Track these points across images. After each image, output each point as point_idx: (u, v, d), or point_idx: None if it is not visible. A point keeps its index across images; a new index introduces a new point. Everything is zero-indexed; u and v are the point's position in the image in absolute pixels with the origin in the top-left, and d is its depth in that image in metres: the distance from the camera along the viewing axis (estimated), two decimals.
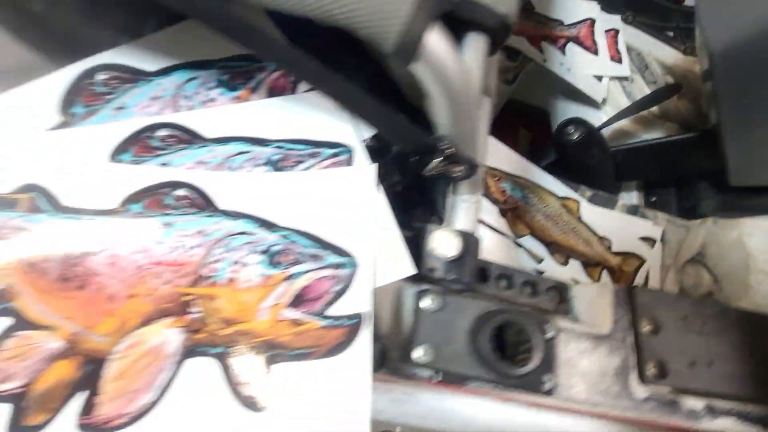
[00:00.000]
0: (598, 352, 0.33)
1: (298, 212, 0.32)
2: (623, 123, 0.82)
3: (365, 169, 0.33)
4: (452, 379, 0.29)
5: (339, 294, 0.30)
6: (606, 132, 0.82)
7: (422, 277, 0.33)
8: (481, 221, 0.58)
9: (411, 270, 0.31)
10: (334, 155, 0.32)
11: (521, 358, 0.27)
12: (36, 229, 0.29)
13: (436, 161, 0.29)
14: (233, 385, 0.27)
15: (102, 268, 0.29)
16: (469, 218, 0.36)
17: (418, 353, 0.28)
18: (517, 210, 0.62)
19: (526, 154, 0.87)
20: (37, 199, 0.29)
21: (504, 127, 0.97)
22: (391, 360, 0.31)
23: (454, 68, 0.24)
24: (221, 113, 0.34)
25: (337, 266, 0.30)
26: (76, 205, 0.30)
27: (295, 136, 0.34)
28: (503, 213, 0.61)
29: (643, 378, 0.33)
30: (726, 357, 0.35)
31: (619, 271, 0.63)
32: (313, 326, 0.29)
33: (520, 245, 0.60)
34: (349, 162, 0.33)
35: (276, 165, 0.33)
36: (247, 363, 0.28)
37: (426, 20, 0.21)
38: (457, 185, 0.36)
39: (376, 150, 0.34)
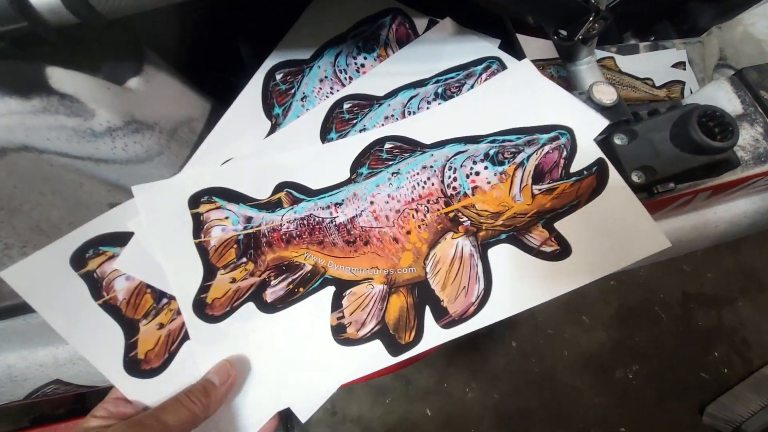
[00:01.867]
0: (744, 128, 0.40)
1: (489, 119, 0.37)
2: None
3: (521, 65, 0.39)
4: (666, 188, 0.34)
5: (570, 156, 0.36)
6: None
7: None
8: None
9: (604, 122, 0.37)
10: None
11: (721, 139, 0.33)
12: (305, 214, 0.34)
13: (590, 20, 0.34)
14: (534, 251, 0.33)
15: (371, 223, 0.34)
16: (596, 74, 0.42)
17: (635, 178, 0.35)
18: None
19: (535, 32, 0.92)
20: (293, 192, 0.34)
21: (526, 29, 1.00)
22: None
23: None
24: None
25: (553, 140, 0.36)
26: (321, 185, 0.34)
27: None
28: None
29: None
30: None
31: (669, 99, 0.70)
32: (565, 186, 0.35)
33: None
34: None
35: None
36: (532, 233, 0.34)
37: None
38: (577, 52, 0.41)
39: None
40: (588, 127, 0.37)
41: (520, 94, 0.38)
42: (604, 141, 0.37)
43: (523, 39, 0.69)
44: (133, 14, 0.26)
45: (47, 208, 0.29)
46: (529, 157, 0.36)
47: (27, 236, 0.28)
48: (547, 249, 0.34)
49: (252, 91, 0.37)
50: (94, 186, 0.30)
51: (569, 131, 0.37)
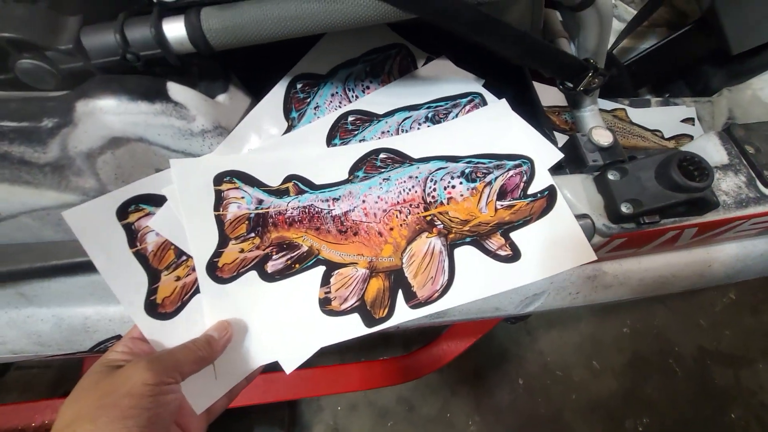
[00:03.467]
0: (729, 176, 0.45)
1: (467, 144, 0.45)
2: (624, 42, 0.96)
3: (499, 103, 0.46)
4: (651, 220, 0.40)
5: (529, 181, 0.43)
6: (615, 52, 0.96)
7: (588, 171, 0.45)
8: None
9: (559, 155, 0.44)
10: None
11: (698, 180, 0.38)
12: (307, 204, 0.40)
13: (588, 77, 0.41)
14: (491, 254, 0.40)
15: (362, 218, 0.41)
16: (597, 119, 0.49)
17: (623, 209, 0.40)
18: None
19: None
20: (299, 184, 0.41)
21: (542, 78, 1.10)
22: (599, 229, 0.43)
23: (609, 3, 0.36)
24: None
25: (517, 166, 0.43)
26: (323, 182, 0.41)
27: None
28: None
29: (764, 182, 0.46)
30: None
31: None
32: (522, 204, 0.42)
33: None
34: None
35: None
36: (492, 239, 0.41)
37: None
38: (582, 101, 0.48)
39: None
40: (546, 158, 0.44)
41: (495, 126, 0.45)
42: (600, 176, 0.43)
43: (542, 87, 0.77)
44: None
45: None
46: (496, 178, 0.43)
47: None
48: (502, 253, 0.40)
49: (276, 95, 0.44)
50: None
51: (530, 161, 0.44)
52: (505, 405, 1.21)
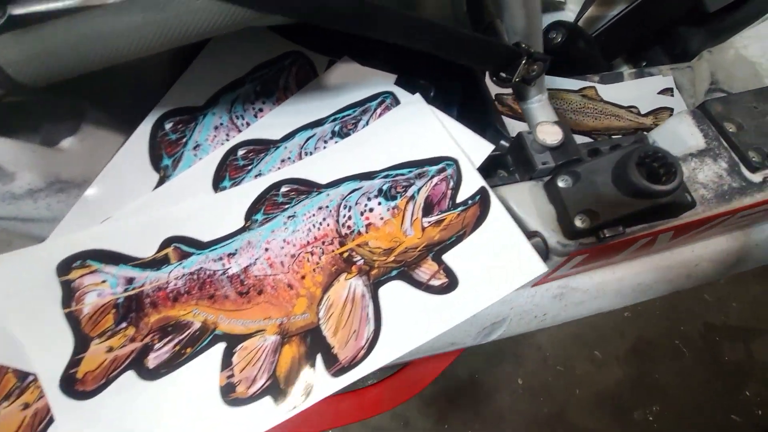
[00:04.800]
0: (707, 163, 0.38)
1: (382, 155, 0.37)
2: (591, 10, 0.88)
3: (412, 99, 0.39)
4: (613, 233, 0.33)
5: (456, 186, 0.35)
6: (581, 23, 0.87)
7: (538, 175, 0.37)
8: None
9: (489, 147, 0.37)
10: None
11: (665, 181, 0.31)
12: (195, 269, 0.33)
13: (522, 64, 0.33)
14: (423, 286, 0.33)
15: (266, 271, 0.33)
16: (547, 112, 0.41)
17: (578, 222, 0.33)
18: None
19: None
20: (181, 246, 0.34)
21: None
22: (553, 248, 0.35)
23: None
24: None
25: (441, 171, 0.36)
26: (213, 237, 0.34)
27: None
28: None
29: (751, 167, 0.38)
30: None
31: (656, 126, 0.68)
32: (452, 217, 0.35)
33: None
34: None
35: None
36: (422, 267, 0.33)
37: None
38: (526, 92, 0.40)
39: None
40: (473, 155, 0.37)
41: (411, 127, 0.38)
42: (549, 183, 0.36)
43: None
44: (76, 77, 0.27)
45: None
46: (419, 189, 0.36)
47: None
48: (436, 282, 0.33)
49: (137, 142, 0.36)
50: (24, 242, 0.31)
51: (455, 161, 0.36)
52: (506, 408, 1.15)
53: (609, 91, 0.70)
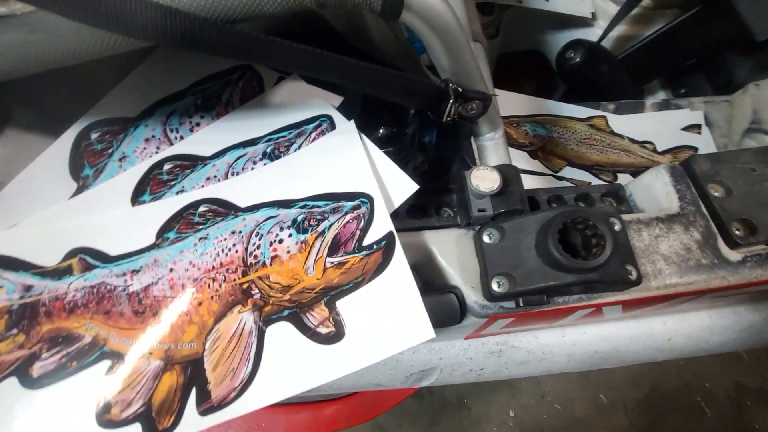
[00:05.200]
0: (675, 231, 0.32)
1: (305, 183, 0.35)
2: (623, 29, 0.80)
3: (346, 126, 0.36)
4: (534, 301, 0.29)
5: (366, 228, 0.33)
6: (609, 44, 0.80)
7: (475, 221, 0.34)
8: None
9: (413, 187, 0.34)
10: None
11: (595, 252, 0.27)
12: (96, 282, 0.33)
13: (449, 104, 0.30)
14: (309, 332, 0.31)
15: (165, 293, 0.32)
16: (500, 152, 0.37)
17: (495, 286, 0.29)
18: (547, 146, 0.61)
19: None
20: (87, 258, 0.33)
21: (505, 82, 0.96)
22: (470, 308, 0.32)
23: (440, 7, 0.25)
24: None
25: (355, 208, 0.33)
26: (121, 251, 0.34)
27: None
28: (533, 155, 0.60)
29: (731, 242, 0.32)
30: None
31: None
32: (354, 260, 0.32)
33: (561, 178, 0.59)
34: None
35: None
36: (314, 311, 0.31)
37: None
38: (477, 128, 0.37)
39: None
40: (395, 194, 0.34)
41: (337, 157, 0.35)
42: (477, 235, 0.32)
43: (500, 94, 0.64)
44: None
45: None
46: (331, 225, 0.33)
47: None
48: (323, 330, 0.30)
49: (57, 150, 0.36)
50: None
51: (370, 200, 0.33)
52: None
53: (622, 123, 0.63)
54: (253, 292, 0.32)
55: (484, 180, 0.33)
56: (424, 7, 0.24)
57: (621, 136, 0.62)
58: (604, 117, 0.63)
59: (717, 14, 0.64)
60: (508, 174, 0.34)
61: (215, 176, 0.37)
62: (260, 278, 0.32)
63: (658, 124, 0.64)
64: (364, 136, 0.36)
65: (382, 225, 0.32)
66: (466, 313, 0.32)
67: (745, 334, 0.39)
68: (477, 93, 0.31)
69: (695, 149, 0.62)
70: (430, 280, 0.33)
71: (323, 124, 0.38)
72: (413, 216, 0.37)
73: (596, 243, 0.27)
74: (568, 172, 0.59)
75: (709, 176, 0.34)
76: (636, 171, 0.61)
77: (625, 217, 0.33)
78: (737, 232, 0.32)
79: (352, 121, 0.36)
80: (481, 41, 0.45)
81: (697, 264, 0.31)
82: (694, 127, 0.64)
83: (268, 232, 0.34)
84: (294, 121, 0.38)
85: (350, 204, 0.34)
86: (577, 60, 0.70)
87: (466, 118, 0.33)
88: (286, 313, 0.31)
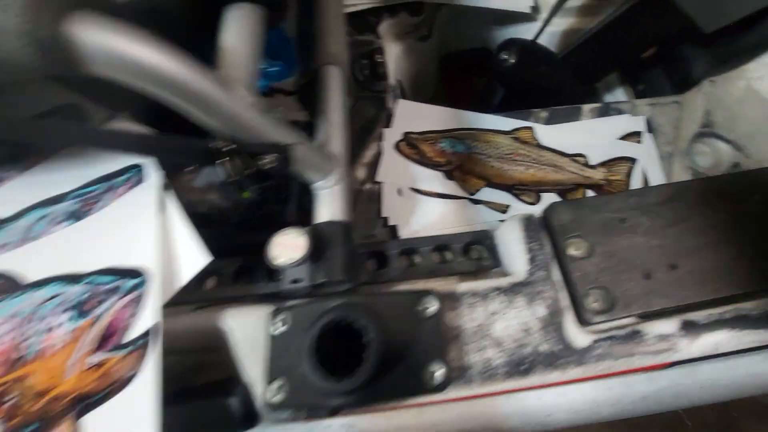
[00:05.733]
0: (516, 306, 0.26)
1: (96, 253, 0.30)
2: (568, 22, 0.72)
3: (149, 183, 0.31)
4: (313, 414, 0.23)
5: (134, 317, 0.27)
6: (553, 40, 0.72)
7: (288, 295, 0.28)
8: (425, 192, 0.52)
9: (203, 260, 0.28)
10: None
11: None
12: None
13: (227, 162, 0.24)
14: None
15: None
16: (334, 204, 0.31)
17: (272, 391, 0.23)
18: (464, 165, 0.55)
19: (477, 102, 0.79)
20: None
21: (456, 81, 0.89)
22: (259, 410, 0.26)
23: (147, 53, 0.19)
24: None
25: (133, 289, 0.27)
26: None
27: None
28: (449, 175, 0.54)
29: (583, 318, 0.26)
30: (695, 249, 0.26)
31: (608, 183, 0.53)
32: (114, 360, 0.26)
33: (478, 202, 0.52)
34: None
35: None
36: (57, 430, 0.26)
37: (56, 13, 0.17)
38: (306, 176, 0.31)
39: None
40: (182, 269, 0.28)
41: (129, 221, 0.30)
42: (268, 321, 0.27)
43: (413, 106, 0.58)
44: None
45: None
46: (107, 309, 0.27)
47: None
48: None
49: None
50: None
51: (145, 279, 0.28)
52: None
53: (551, 134, 0.56)
54: (6, 398, 0.27)
55: (285, 248, 0.27)
56: (112, 53, 0.18)
57: (548, 149, 0.55)
58: (530, 128, 0.56)
59: (659, 5, 0.56)
60: (330, 234, 0.29)
61: (11, 242, 0.32)
62: (17, 380, 0.27)
63: (592, 134, 0.56)
64: (169, 193, 0.30)
65: (148, 315, 0.27)
66: (257, 416, 0.26)
67: (641, 405, 0.33)
68: (265, 146, 0.25)
69: (632, 161, 0.54)
70: (222, 371, 0.28)
71: (133, 177, 0.32)
72: (244, 279, 0.32)
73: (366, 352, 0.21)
74: (486, 194, 0.53)
75: (568, 230, 0.27)
76: (564, 189, 0.54)
77: (461, 286, 0.27)
78: (594, 305, 0.25)
79: (156, 176, 0.31)
80: (338, 64, 0.38)
81: (534, 353, 0.25)
82: (633, 135, 0.56)
83: (49, 315, 0.29)
84: (106, 173, 0.33)
85: (131, 283, 0.28)
86: (512, 61, 0.63)
87: (268, 173, 0.27)
88: (30, 428, 0.26)
